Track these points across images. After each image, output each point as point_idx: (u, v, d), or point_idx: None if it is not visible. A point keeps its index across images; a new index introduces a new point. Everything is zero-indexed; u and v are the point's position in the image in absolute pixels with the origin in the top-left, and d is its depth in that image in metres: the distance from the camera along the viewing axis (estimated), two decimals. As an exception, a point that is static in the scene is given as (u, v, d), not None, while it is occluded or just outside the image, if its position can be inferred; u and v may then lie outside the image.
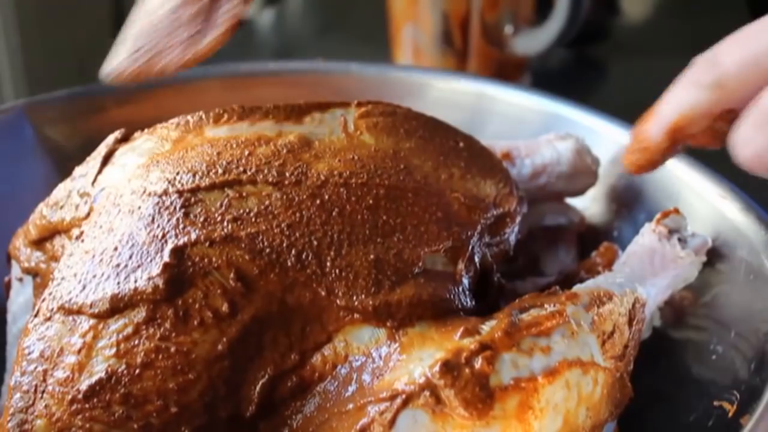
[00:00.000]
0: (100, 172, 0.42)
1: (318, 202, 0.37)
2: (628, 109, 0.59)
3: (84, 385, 0.33)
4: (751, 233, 0.44)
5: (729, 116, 0.34)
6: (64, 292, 0.36)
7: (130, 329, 0.34)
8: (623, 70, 1.09)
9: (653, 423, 0.43)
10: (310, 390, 0.35)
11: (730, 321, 0.43)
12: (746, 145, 0.32)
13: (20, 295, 0.45)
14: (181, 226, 0.36)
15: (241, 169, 0.38)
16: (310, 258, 0.36)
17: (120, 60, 0.43)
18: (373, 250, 0.36)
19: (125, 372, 0.33)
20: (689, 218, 0.46)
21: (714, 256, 0.45)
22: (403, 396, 0.32)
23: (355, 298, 0.35)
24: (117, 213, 0.38)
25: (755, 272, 0.42)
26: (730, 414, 0.38)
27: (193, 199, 0.37)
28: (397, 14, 0.90)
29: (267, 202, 0.37)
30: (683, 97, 0.35)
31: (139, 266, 0.35)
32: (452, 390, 0.32)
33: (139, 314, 0.34)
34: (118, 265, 0.36)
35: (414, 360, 0.34)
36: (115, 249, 0.36)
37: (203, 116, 0.43)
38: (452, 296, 0.37)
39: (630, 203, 0.53)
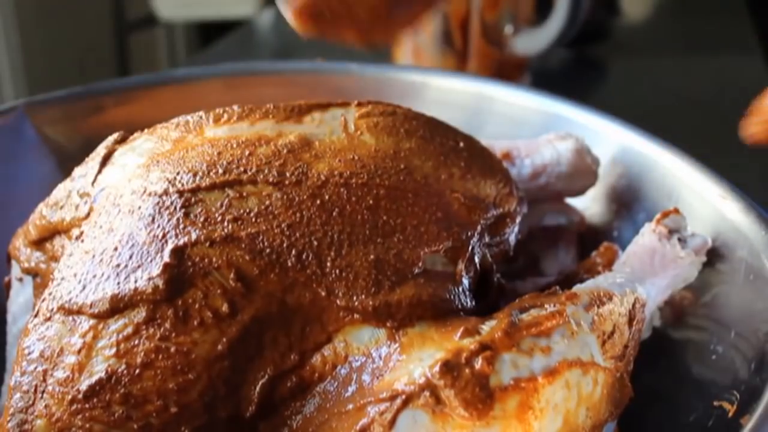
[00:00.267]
0: (99, 172, 0.42)
1: (318, 202, 0.37)
2: (628, 109, 0.59)
3: (84, 385, 0.33)
4: (751, 233, 0.44)
5: None
6: (64, 292, 0.36)
7: (130, 329, 0.34)
8: (623, 70, 1.09)
9: (653, 423, 0.43)
10: (310, 390, 0.35)
11: (730, 321, 0.43)
12: None
13: (20, 295, 0.45)
14: (181, 226, 0.36)
15: (242, 169, 0.38)
16: (310, 258, 0.36)
17: None
18: (373, 251, 0.37)
19: (125, 372, 0.33)
20: (689, 218, 0.46)
21: (714, 256, 0.45)
22: (403, 396, 0.32)
23: (355, 298, 0.35)
24: (117, 213, 0.38)
25: (755, 272, 0.42)
26: (730, 414, 0.38)
27: (193, 199, 0.37)
28: (397, 14, 0.90)
29: (267, 202, 0.37)
30: None
31: (139, 266, 0.35)
32: (452, 390, 0.32)
33: (139, 314, 0.34)
34: (118, 265, 0.36)
35: (414, 360, 0.34)
36: (115, 249, 0.36)
37: (203, 116, 0.43)
38: (452, 296, 0.37)
39: (630, 203, 0.53)
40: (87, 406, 0.33)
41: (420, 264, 0.37)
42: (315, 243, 0.36)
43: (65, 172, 0.45)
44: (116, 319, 0.34)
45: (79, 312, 0.35)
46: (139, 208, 0.38)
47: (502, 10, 0.85)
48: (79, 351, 0.34)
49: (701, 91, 1.00)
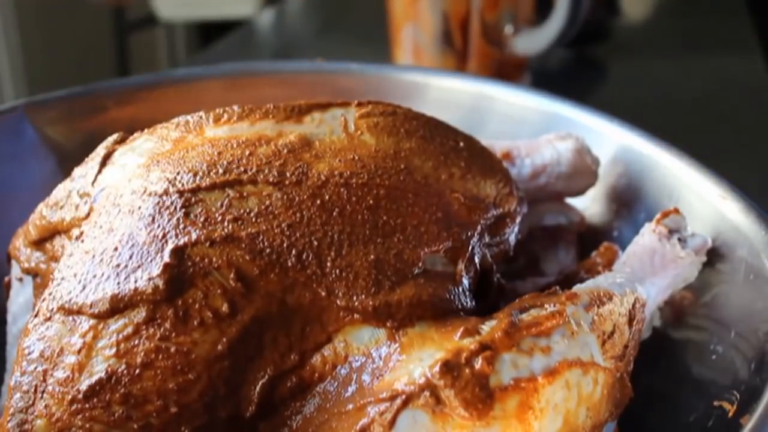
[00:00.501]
0: (99, 172, 0.42)
1: (318, 202, 0.37)
2: (628, 109, 0.59)
3: (84, 385, 0.34)
4: (751, 233, 0.44)
5: None
6: (64, 292, 0.36)
7: (130, 329, 0.34)
8: (623, 70, 1.09)
9: (653, 423, 0.43)
10: (310, 390, 0.35)
11: (730, 321, 0.43)
12: None
13: (20, 295, 0.45)
14: (181, 226, 0.36)
15: (242, 169, 0.38)
16: (310, 258, 0.36)
17: None
18: (374, 251, 0.37)
19: (125, 372, 0.33)
20: (689, 218, 0.46)
21: (714, 256, 0.45)
22: (403, 396, 0.32)
23: (355, 298, 0.35)
24: (117, 213, 0.38)
25: (755, 272, 0.42)
26: (730, 414, 0.38)
27: (193, 199, 0.37)
28: (397, 14, 0.91)
29: (267, 202, 0.37)
30: None
31: (139, 266, 0.35)
32: (452, 390, 0.32)
33: (139, 314, 0.34)
34: (118, 266, 0.36)
35: (414, 360, 0.34)
36: (115, 249, 0.36)
37: (203, 116, 0.43)
38: (452, 296, 0.37)
39: (630, 203, 0.53)
40: (87, 406, 0.33)
41: (420, 264, 0.37)
42: (315, 243, 0.36)
43: (65, 172, 0.45)
44: (116, 319, 0.34)
45: (79, 312, 0.35)
46: (139, 208, 0.38)
47: (502, 10, 0.85)
48: (79, 351, 0.34)
49: (701, 91, 1.00)
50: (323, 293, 0.35)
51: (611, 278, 0.41)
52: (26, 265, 0.43)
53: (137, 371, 0.33)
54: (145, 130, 0.44)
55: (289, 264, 0.35)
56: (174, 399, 0.33)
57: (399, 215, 0.38)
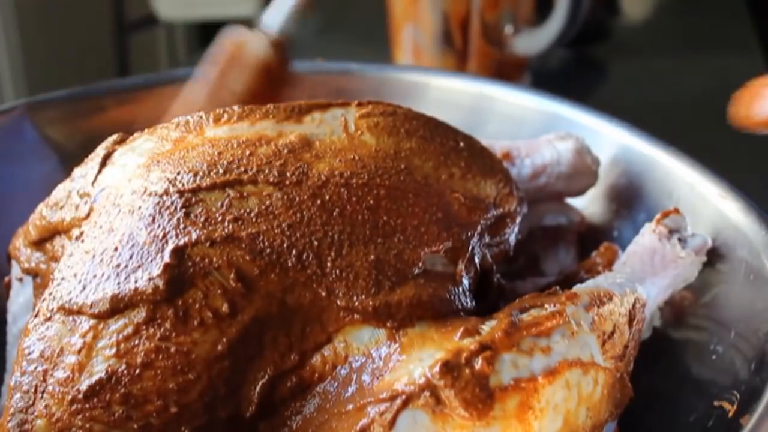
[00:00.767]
0: (99, 172, 0.42)
1: (319, 202, 0.37)
2: (628, 109, 0.59)
3: (84, 385, 0.34)
4: (751, 233, 0.44)
5: None
6: (64, 292, 0.36)
7: (130, 329, 0.34)
8: (623, 70, 1.09)
9: (653, 423, 0.43)
10: (310, 390, 0.35)
11: (730, 321, 0.43)
12: None
13: (20, 295, 0.45)
14: (181, 226, 0.36)
15: (242, 169, 0.38)
16: (310, 258, 0.36)
17: None
18: (374, 251, 0.37)
19: (125, 372, 0.33)
20: (689, 218, 0.46)
21: (714, 256, 0.45)
22: (403, 396, 0.32)
23: (355, 298, 0.35)
24: (117, 213, 0.38)
25: (755, 272, 0.42)
26: (731, 414, 0.38)
27: (193, 199, 0.37)
28: (397, 14, 0.90)
29: (268, 202, 0.37)
30: None
31: (139, 266, 0.35)
32: (452, 390, 0.32)
33: (140, 314, 0.34)
34: (118, 266, 0.36)
35: (414, 360, 0.34)
36: (116, 249, 0.36)
37: (203, 116, 0.43)
38: (452, 297, 0.37)
39: (630, 203, 0.53)
40: (87, 406, 0.33)
41: (420, 264, 0.37)
42: (315, 243, 0.36)
43: (65, 172, 0.45)
44: (116, 319, 0.34)
45: (79, 312, 0.35)
46: (140, 208, 0.38)
47: (502, 10, 0.85)
48: (80, 351, 0.34)
49: (701, 91, 1.00)
50: (323, 293, 0.35)
51: (611, 278, 0.41)
52: (26, 265, 0.43)
53: (137, 371, 0.33)
54: (145, 130, 0.44)
55: (290, 264, 0.35)
56: (174, 399, 0.33)
57: (399, 215, 0.38)
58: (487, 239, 0.41)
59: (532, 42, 0.84)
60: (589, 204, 0.55)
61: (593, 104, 0.58)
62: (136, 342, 0.34)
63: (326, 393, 0.35)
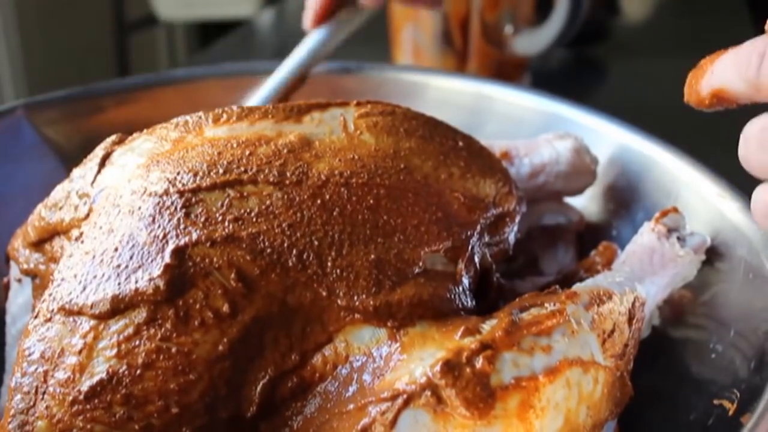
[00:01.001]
0: (98, 172, 0.42)
1: (319, 201, 0.37)
2: (628, 109, 0.59)
3: (85, 386, 0.34)
4: (751, 232, 0.44)
5: None
6: (64, 293, 0.36)
7: (130, 330, 0.34)
8: (623, 70, 1.09)
9: (653, 422, 0.43)
10: (311, 390, 0.35)
11: (730, 320, 0.43)
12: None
13: (19, 296, 0.45)
14: (182, 226, 0.36)
15: (242, 169, 0.38)
16: (311, 258, 0.36)
17: None
18: (374, 250, 0.37)
19: (126, 373, 0.33)
20: (688, 217, 0.46)
21: (713, 254, 0.45)
22: (404, 396, 0.32)
23: (355, 298, 0.35)
24: (117, 213, 0.38)
25: (754, 271, 0.43)
26: (731, 413, 0.38)
27: (194, 199, 0.37)
28: (397, 14, 0.91)
29: (268, 202, 0.37)
30: (726, 77, 0.34)
31: (139, 267, 0.35)
32: (453, 389, 0.32)
33: (140, 315, 0.34)
34: (118, 266, 0.36)
35: (415, 360, 0.34)
36: (116, 249, 0.36)
37: (203, 116, 0.43)
38: (452, 296, 0.37)
39: (629, 202, 0.53)
40: (88, 406, 0.33)
41: (420, 264, 0.37)
42: (316, 243, 0.36)
43: (65, 172, 0.45)
44: (117, 319, 0.34)
45: (79, 313, 0.35)
46: (140, 208, 0.38)
47: (502, 10, 0.85)
48: (80, 352, 0.34)
49: (701, 91, 1.00)
50: (324, 293, 0.35)
51: (611, 277, 0.41)
52: (25, 266, 0.43)
53: (138, 372, 0.33)
54: (145, 131, 0.44)
55: (290, 264, 0.35)
56: (175, 399, 0.33)
57: (399, 215, 0.38)
58: (486, 238, 0.41)
59: (532, 42, 0.84)
60: (587, 203, 0.55)
61: (592, 104, 0.58)
62: (137, 342, 0.34)
63: (327, 393, 0.35)
